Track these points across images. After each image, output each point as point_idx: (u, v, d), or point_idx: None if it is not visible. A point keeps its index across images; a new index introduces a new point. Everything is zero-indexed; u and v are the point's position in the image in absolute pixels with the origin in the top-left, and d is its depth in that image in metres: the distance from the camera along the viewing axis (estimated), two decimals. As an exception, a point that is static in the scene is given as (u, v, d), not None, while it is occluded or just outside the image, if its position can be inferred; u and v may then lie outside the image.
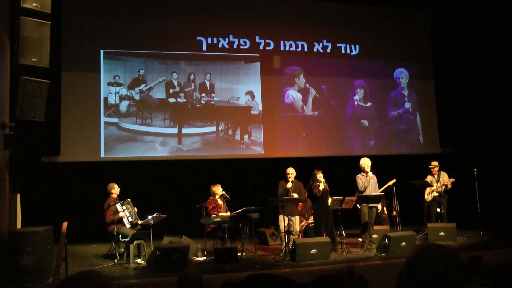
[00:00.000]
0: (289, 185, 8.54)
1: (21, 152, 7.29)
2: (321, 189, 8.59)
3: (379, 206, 9.37)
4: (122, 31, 10.57)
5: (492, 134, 11.85)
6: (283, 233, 8.32)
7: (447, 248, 1.59)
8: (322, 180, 8.65)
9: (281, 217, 8.49)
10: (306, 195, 8.91)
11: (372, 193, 8.73)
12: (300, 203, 9.13)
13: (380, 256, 7.98)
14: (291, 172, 8.68)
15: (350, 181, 9.11)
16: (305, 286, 1.66)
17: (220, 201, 8.78)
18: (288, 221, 8.53)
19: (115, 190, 8.43)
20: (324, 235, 8.43)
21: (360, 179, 8.88)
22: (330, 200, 8.56)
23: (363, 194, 8.73)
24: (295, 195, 8.47)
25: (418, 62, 12.71)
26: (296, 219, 8.71)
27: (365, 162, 8.94)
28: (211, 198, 8.78)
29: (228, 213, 8.65)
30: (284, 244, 8.15)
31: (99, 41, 10.41)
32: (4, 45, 6.89)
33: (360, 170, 8.97)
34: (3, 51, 6.85)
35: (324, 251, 7.80)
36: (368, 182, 8.84)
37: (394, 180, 9.32)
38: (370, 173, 8.85)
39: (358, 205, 8.79)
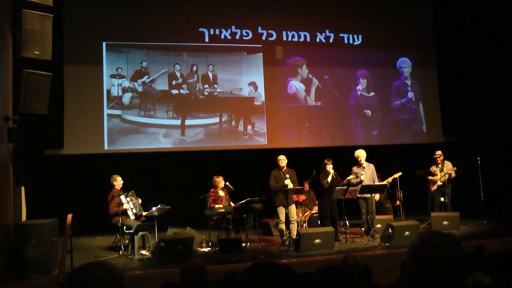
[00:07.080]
0: (285, 175, 8.38)
1: (24, 145, 7.32)
2: (329, 180, 8.55)
3: (376, 196, 9.13)
4: (124, 23, 10.53)
5: (495, 122, 11.79)
6: (283, 223, 8.30)
7: (450, 236, 1.59)
8: (332, 171, 8.61)
9: (279, 208, 8.32)
10: (307, 184, 8.88)
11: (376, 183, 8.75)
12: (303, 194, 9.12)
13: (384, 245, 8.01)
14: (283, 158, 8.49)
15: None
16: (309, 276, 1.67)
17: (221, 193, 8.73)
18: (286, 211, 8.36)
19: (118, 182, 8.46)
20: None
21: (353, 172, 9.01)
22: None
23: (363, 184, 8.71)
24: (288, 182, 8.26)
25: (421, 51, 12.61)
26: (293, 207, 8.43)
27: (356, 154, 9.03)
28: (212, 190, 8.77)
29: (232, 204, 8.66)
30: (286, 233, 8.17)
31: (101, 33, 10.38)
32: (6, 39, 6.89)
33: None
34: (6, 44, 6.86)
35: (328, 241, 7.83)
36: (355, 175, 8.90)
37: (400, 173, 9.20)
38: (362, 165, 8.88)
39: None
